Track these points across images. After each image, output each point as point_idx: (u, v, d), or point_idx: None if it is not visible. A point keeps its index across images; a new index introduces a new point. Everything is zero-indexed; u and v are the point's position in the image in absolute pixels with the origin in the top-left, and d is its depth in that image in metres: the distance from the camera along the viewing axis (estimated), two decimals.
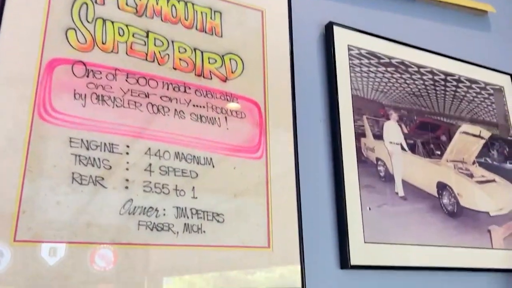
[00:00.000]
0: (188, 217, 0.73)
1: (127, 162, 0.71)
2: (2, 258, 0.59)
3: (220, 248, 0.74)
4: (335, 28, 1.00)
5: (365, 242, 0.88)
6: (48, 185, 0.64)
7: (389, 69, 1.06)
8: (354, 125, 0.96)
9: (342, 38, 1.01)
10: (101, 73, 0.73)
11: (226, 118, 0.82)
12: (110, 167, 0.70)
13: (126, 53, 0.76)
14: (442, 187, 1.03)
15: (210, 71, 0.83)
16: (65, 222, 0.64)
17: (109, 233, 0.67)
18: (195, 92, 0.81)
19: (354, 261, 0.85)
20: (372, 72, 1.03)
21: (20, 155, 0.64)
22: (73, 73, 0.71)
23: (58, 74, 0.70)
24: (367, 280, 0.88)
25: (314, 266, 0.83)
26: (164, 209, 0.72)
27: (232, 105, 0.83)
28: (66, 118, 0.69)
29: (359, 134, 0.96)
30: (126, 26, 0.77)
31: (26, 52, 0.68)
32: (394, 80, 1.06)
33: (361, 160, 0.94)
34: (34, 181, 0.64)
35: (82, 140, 0.69)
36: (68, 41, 0.72)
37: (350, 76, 1.00)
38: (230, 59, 0.86)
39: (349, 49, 1.01)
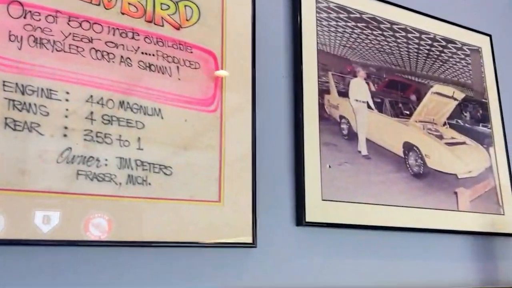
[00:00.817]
0: (132, 169, 0.71)
1: (67, 109, 0.68)
2: None
3: (166, 201, 0.72)
4: None
5: (322, 200, 0.86)
6: None
7: (359, 24, 1.02)
8: (318, 81, 0.92)
9: None
10: (40, 14, 0.69)
11: (178, 67, 0.78)
12: (48, 113, 0.66)
13: None
14: (409, 147, 1.01)
15: (162, 18, 0.79)
16: None
17: (45, 182, 0.64)
18: (145, 39, 0.76)
19: (309, 218, 0.83)
20: (340, 27, 0.99)
21: None
22: (9, 13, 0.67)
23: None
24: (322, 238, 0.86)
25: (268, 222, 0.81)
26: (106, 159, 0.69)
27: (185, 54, 0.79)
28: (0, 61, 0.65)
29: (323, 91, 0.93)
30: None
31: None
32: (364, 36, 1.02)
33: (323, 117, 0.91)
34: None
35: (17, 84, 0.65)
36: None
37: (317, 30, 0.95)
38: (185, 6, 0.82)
39: (317, 2, 0.97)
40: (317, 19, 0.96)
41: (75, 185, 0.66)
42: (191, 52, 0.80)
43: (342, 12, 1.00)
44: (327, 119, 0.92)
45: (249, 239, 0.77)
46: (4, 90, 0.64)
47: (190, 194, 0.74)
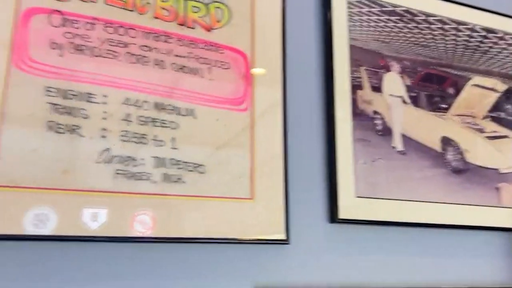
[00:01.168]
0: (167, 167, 0.73)
1: (105, 112, 0.71)
2: None
3: (200, 199, 0.74)
4: None
5: (356, 197, 0.85)
6: (24, 133, 0.65)
7: (392, 17, 1.00)
8: (351, 77, 0.92)
9: None
10: (78, 22, 0.73)
11: (209, 68, 0.80)
12: (88, 116, 0.70)
13: (105, 2, 0.75)
14: (446, 142, 0.98)
15: (193, 20, 0.81)
16: (41, 169, 0.65)
17: (86, 181, 0.68)
18: (177, 42, 0.79)
19: (343, 215, 0.83)
20: (373, 21, 0.98)
21: None
22: (50, 22, 0.71)
23: (35, 23, 0.70)
24: (356, 235, 0.86)
25: (301, 219, 0.82)
26: (143, 159, 0.72)
27: (216, 55, 0.81)
28: (43, 68, 0.69)
29: (356, 86, 0.92)
30: None
31: (3, 1, 0.68)
32: (398, 29, 1.00)
33: (356, 113, 0.90)
34: (8, 129, 0.65)
35: (58, 89, 0.69)
36: None
37: (348, 25, 0.95)
38: (215, 8, 0.83)
39: None
40: (348, 14, 0.95)
41: (115, 184, 0.69)
42: (222, 53, 0.82)
43: (374, 6, 0.98)
44: (360, 115, 0.91)
45: (282, 236, 0.78)
46: (47, 95, 0.68)
47: (223, 191, 0.76)
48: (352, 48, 0.94)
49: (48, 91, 0.68)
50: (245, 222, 0.76)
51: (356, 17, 0.96)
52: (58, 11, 0.72)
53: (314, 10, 0.95)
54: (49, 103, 0.68)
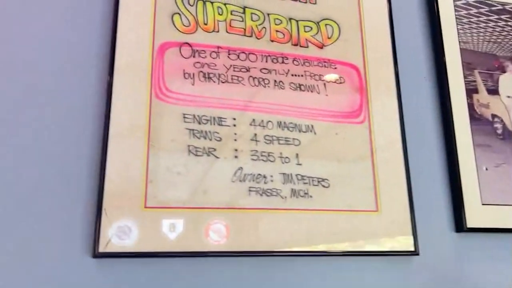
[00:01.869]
0: (294, 183, 0.76)
1: (235, 134, 0.76)
2: (128, 228, 0.68)
3: (328, 212, 0.76)
4: None
5: (482, 204, 0.83)
6: (168, 157, 0.72)
7: (503, 16, 0.96)
8: (465, 81, 0.90)
9: None
10: (205, 52, 0.78)
11: (325, 84, 0.82)
12: (221, 138, 0.75)
13: (226, 31, 0.80)
14: None
15: (306, 39, 0.84)
16: (185, 190, 0.71)
17: (224, 199, 0.72)
18: (293, 62, 0.82)
19: (470, 223, 0.81)
20: (482, 22, 0.95)
21: (143, 132, 0.72)
22: (181, 54, 0.77)
23: (169, 56, 0.76)
24: (485, 244, 0.83)
25: (427, 229, 0.81)
26: (272, 176, 0.75)
27: (330, 71, 0.83)
28: (179, 97, 0.75)
29: (471, 90, 0.90)
30: (224, 4, 0.81)
31: (140, 40, 0.75)
32: (510, 28, 0.96)
33: (474, 117, 0.88)
34: (156, 154, 0.71)
35: (194, 115, 0.75)
36: (174, 25, 0.78)
37: (457, 29, 0.93)
38: (325, 25, 0.86)
39: (454, 0, 0.94)
40: (456, 18, 0.93)
41: (248, 201, 0.73)
42: (335, 68, 0.84)
43: (482, 6, 0.95)
44: (478, 119, 0.88)
45: (410, 247, 0.77)
46: (185, 122, 0.74)
47: (348, 204, 0.77)
48: (463, 51, 0.92)
49: (185, 117, 0.74)
50: (372, 234, 0.77)
51: (465, 20, 0.94)
52: (187, 43, 0.78)
53: (421, 18, 0.94)
54: (187, 128, 0.74)
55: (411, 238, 0.78)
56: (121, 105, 0.71)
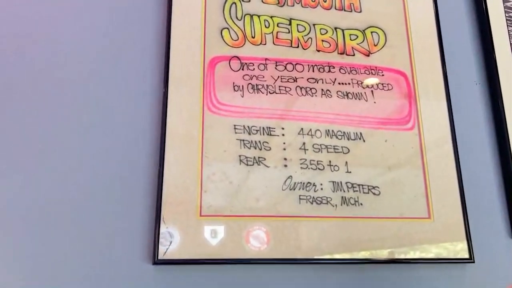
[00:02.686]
0: (344, 191, 0.77)
1: (284, 143, 0.77)
2: (186, 236, 0.70)
3: (379, 220, 0.76)
4: None
5: None
6: (221, 167, 0.74)
7: None
8: None
9: None
10: (253, 64, 0.81)
11: (372, 92, 0.83)
12: (270, 148, 0.77)
13: (273, 43, 0.82)
14: None
15: (352, 48, 0.85)
16: (238, 199, 0.73)
17: (275, 208, 0.74)
18: (339, 70, 0.83)
19: None
20: None
21: (197, 144, 0.75)
22: (231, 67, 0.80)
23: (219, 70, 0.79)
24: None
25: (482, 235, 0.79)
26: (321, 184, 0.76)
27: (378, 78, 0.83)
28: (229, 109, 0.78)
29: None
30: (271, 17, 0.83)
31: (191, 54, 0.79)
32: None
33: None
34: (209, 165, 0.74)
35: (244, 126, 0.77)
36: (223, 39, 0.81)
37: (508, 30, 0.90)
38: (371, 33, 0.86)
39: (504, 1, 0.92)
40: (507, 19, 0.91)
41: (300, 209, 0.74)
42: (383, 75, 0.84)
43: None
44: None
45: (465, 254, 0.76)
46: (236, 133, 0.77)
47: (399, 212, 0.77)
48: None
49: (236, 128, 0.77)
50: (425, 242, 0.76)
51: None
52: (236, 57, 0.81)
53: (469, 21, 0.93)
54: (238, 139, 0.76)
55: (466, 245, 0.76)
56: (176, 116, 0.75)
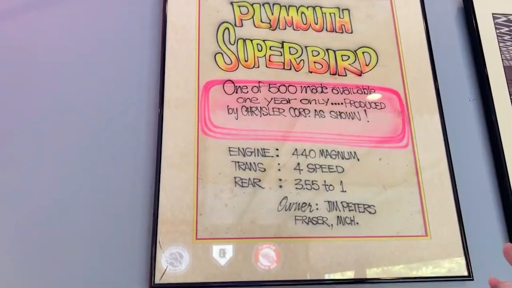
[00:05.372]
0: (340, 210, 0.77)
1: (278, 164, 0.78)
2: (182, 259, 0.71)
3: (375, 239, 0.76)
4: None
5: None
6: (216, 190, 0.75)
7: None
8: (511, 99, 0.88)
9: (484, 8, 0.93)
10: (247, 87, 0.82)
11: (365, 111, 0.84)
12: (265, 169, 0.77)
13: (266, 66, 0.84)
14: None
15: (344, 68, 0.86)
16: (233, 221, 0.74)
17: (271, 229, 0.74)
18: (332, 91, 0.84)
19: None
20: None
21: (192, 167, 0.76)
22: (225, 91, 0.81)
23: (213, 94, 0.81)
24: None
25: (480, 252, 0.78)
26: (317, 204, 0.77)
27: (370, 97, 0.84)
28: (224, 131, 0.79)
29: None
30: (263, 41, 0.85)
31: (186, 79, 0.80)
32: None
33: None
34: (205, 187, 0.75)
35: (239, 148, 0.78)
36: (217, 64, 0.82)
37: (499, 46, 0.91)
38: (363, 53, 0.87)
39: (494, 18, 0.93)
40: (497, 35, 0.92)
41: (295, 229, 0.75)
42: (375, 94, 0.85)
43: None
44: None
45: (463, 271, 0.76)
46: (230, 155, 0.77)
47: (396, 230, 0.77)
48: (507, 69, 0.90)
49: (230, 150, 0.78)
50: (422, 260, 0.76)
51: (507, 37, 0.92)
52: (230, 80, 0.82)
53: (461, 38, 0.94)
54: (233, 161, 0.77)
55: (464, 262, 0.76)
56: (171, 138, 0.76)
